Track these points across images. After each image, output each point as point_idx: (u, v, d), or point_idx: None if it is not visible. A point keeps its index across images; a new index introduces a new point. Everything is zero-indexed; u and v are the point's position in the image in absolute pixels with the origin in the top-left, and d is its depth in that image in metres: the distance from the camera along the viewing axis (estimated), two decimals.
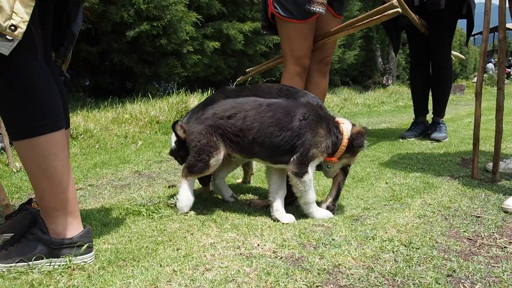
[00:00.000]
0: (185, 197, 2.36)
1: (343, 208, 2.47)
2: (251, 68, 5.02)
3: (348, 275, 1.62)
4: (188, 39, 7.87)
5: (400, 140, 4.88)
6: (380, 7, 3.64)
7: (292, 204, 2.47)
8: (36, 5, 1.54)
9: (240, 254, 1.82)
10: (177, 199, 2.39)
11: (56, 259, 1.72)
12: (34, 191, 1.74)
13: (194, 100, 6.62)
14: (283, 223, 2.20)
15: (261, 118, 2.23)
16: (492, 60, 27.34)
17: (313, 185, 2.27)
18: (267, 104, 2.30)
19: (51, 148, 1.65)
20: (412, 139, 4.90)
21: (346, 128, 2.29)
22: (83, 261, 1.75)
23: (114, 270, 1.68)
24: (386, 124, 6.73)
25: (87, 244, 1.76)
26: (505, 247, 1.87)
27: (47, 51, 1.83)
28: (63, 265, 1.71)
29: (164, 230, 2.13)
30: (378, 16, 3.63)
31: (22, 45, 1.53)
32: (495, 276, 1.61)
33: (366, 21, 3.72)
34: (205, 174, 2.41)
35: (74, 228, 1.76)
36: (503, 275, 1.61)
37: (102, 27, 7.13)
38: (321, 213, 2.31)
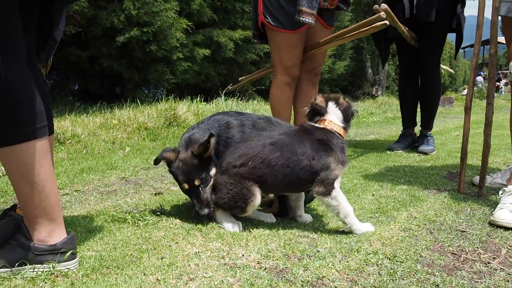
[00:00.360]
0: (230, 220, 2.34)
1: (328, 220, 2.49)
2: (243, 77, 5.05)
3: None
4: (178, 45, 7.90)
5: (388, 152, 4.92)
6: (368, 19, 3.69)
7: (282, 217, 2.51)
8: (16, 10, 1.54)
9: (225, 264, 1.82)
10: (224, 226, 2.33)
11: (40, 265, 1.72)
12: (17, 198, 1.73)
13: (183, 107, 6.62)
14: (268, 234, 2.21)
15: (270, 162, 2.21)
16: (482, 73, 27.70)
17: (344, 196, 2.25)
18: (271, 143, 2.27)
19: (33, 156, 1.65)
20: (400, 151, 4.93)
21: (332, 121, 2.34)
22: (67, 268, 1.74)
23: (98, 278, 1.68)
24: (374, 135, 6.78)
25: (70, 251, 1.75)
26: (488, 263, 1.89)
27: (30, 57, 1.83)
28: (46, 271, 1.70)
29: (149, 238, 2.13)
30: (366, 28, 3.68)
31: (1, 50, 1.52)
32: None
33: (354, 32, 3.75)
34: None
35: (57, 235, 1.76)
36: None
37: (92, 32, 7.13)
38: (363, 227, 2.26)
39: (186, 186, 2.35)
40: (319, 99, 2.39)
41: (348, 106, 2.40)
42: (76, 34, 6.84)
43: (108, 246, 2.02)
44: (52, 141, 2.04)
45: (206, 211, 2.31)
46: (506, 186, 2.74)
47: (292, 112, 4.06)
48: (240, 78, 5.06)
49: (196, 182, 2.33)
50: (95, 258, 1.86)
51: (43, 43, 1.97)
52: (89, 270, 1.75)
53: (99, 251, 1.96)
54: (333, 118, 2.35)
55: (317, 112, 2.39)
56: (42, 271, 1.70)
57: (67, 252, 1.75)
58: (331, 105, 2.38)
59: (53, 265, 1.72)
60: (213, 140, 2.31)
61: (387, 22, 3.56)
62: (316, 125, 2.35)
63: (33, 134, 1.64)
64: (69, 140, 4.76)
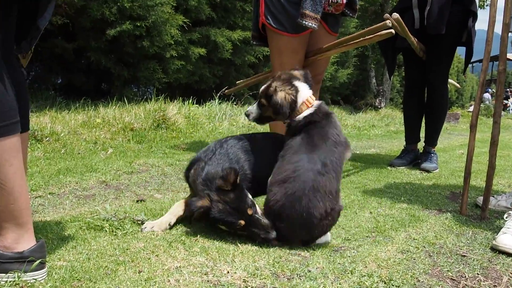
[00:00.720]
0: None
1: None
2: (240, 81, 5.05)
3: None
4: (173, 43, 7.87)
5: (389, 167, 4.91)
6: (374, 26, 3.69)
7: None
8: None
9: (208, 281, 1.79)
10: None
11: (4, 274, 1.67)
12: None
13: (174, 108, 6.60)
14: (256, 250, 2.18)
15: (308, 178, 2.23)
16: (489, 89, 27.85)
17: None
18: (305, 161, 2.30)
19: (2, 154, 1.61)
20: (401, 167, 4.93)
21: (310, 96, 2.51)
22: (34, 278, 1.70)
23: None
24: (375, 149, 6.77)
25: (39, 260, 1.71)
26: None
27: (7, 47, 1.79)
28: (10, 281, 1.66)
29: (127, 249, 2.09)
30: (371, 36, 3.68)
31: None
32: None
33: (358, 40, 3.76)
34: None
35: (25, 242, 1.71)
36: None
37: (81, 23, 7.09)
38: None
39: (243, 222, 2.26)
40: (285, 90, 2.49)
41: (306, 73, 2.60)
42: (63, 24, 6.79)
43: (81, 256, 1.98)
44: (26, 138, 2.00)
45: (274, 233, 2.26)
46: (510, 209, 2.73)
47: None
48: (237, 82, 5.06)
49: (249, 212, 2.26)
50: (66, 269, 1.82)
51: (25, 32, 1.94)
52: (58, 281, 1.71)
53: (71, 261, 1.91)
54: (307, 92, 2.49)
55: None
56: (6, 281, 1.66)
57: (35, 261, 1.70)
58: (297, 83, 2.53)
59: (19, 274, 1.68)
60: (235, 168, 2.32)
61: (392, 30, 3.57)
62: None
63: (2, 131, 1.61)
64: (47, 138, 4.71)
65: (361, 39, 3.75)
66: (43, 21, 1.91)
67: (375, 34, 3.67)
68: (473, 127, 3.07)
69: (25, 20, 1.91)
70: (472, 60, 5.23)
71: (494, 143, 2.90)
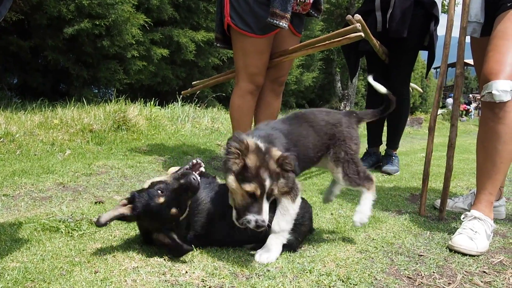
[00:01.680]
0: None
1: None
2: (198, 81, 5.03)
3: None
4: (134, 43, 7.82)
5: None
6: (342, 29, 3.76)
7: None
8: None
9: (165, 281, 1.81)
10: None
11: None
12: None
13: (135, 110, 6.55)
14: (216, 250, 2.20)
15: None
16: (452, 95, 28.53)
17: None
18: None
19: None
20: None
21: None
22: None
23: None
24: None
25: None
26: None
27: None
28: None
29: (83, 250, 2.09)
30: (340, 38, 3.75)
31: None
32: None
33: (326, 42, 3.83)
34: None
35: None
36: None
37: (36, 20, 6.96)
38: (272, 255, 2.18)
39: None
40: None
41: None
42: (17, 21, 6.65)
43: (36, 257, 1.97)
44: None
45: None
46: (467, 210, 2.84)
47: (253, 123, 4.08)
48: (194, 82, 5.04)
49: None
50: (19, 270, 1.81)
51: None
52: (11, 283, 1.71)
53: (24, 263, 1.91)
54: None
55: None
56: None
57: None
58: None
59: None
60: None
61: (362, 34, 3.64)
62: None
63: None
64: (1, 139, 4.62)
65: (330, 41, 3.82)
66: (3, 10, 1.88)
67: (344, 37, 3.73)
68: (431, 130, 3.18)
69: None
70: (436, 66, 5.39)
71: (451, 146, 3.01)
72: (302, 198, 2.35)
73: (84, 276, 1.80)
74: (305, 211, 2.31)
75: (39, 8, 6.78)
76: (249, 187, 1.99)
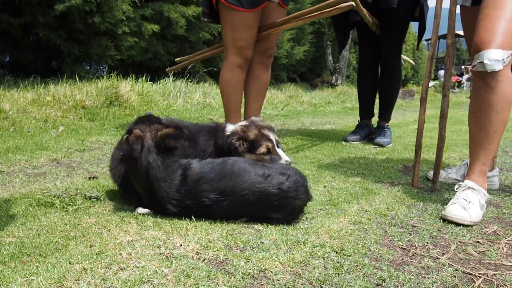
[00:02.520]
0: None
1: None
2: (182, 57, 4.96)
3: (273, 281, 1.64)
4: (125, 19, 7.72)
5: (343, 142, 5.00)
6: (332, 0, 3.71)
7: None
8: None
9: (160, 254, 1.80)
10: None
11: None
12: None
13: (126, 86, 6.50)
14: (209, 224, 2.20)
15: None
16: (444, 67, 28.47)
17: None
18: None
19: None
20: (355, 142, 5.03)
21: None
22: None
23: (17, 266, 1.63)
24: (330, 125, 6.88)
25: None
26: (437, 258, 1.96)
27: None
28: None
29: (78, 224, 2.08)
30: (330, 8, 3.70)
31: None
32: (424, 287, 1.68)
33: (316, 13, 3.78)
34: None
35: None
36: (433, 286, 1.68)
37: None
38: None
39: None
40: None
41: None
42: None
43: (31, 232, 1.96)
44: None
45: None
46: (460, 181, 2.84)
47: (243, 96, 4.06)
48: (177, 59, 4.96)
49: None
50: (15, 245, 1.81)
51: None
52: (7, 257, 1.70)
53: (20, 237, 1.90)
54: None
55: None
56: None
57: None
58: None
59: None
60: None
61: (353, 3, 3.59)
62: None
63: None
64: None
65: (320, 12, 3.77)
66: None
67: (335, 7, 3.69)
68: (423, 101, 3.16)
69: None
70: (427, 37, 5.35)
71: (443, 116, 2.99)
72: (297, 170, 2.35)
73: (80, 249, 1.79)
74: (299, 184, 2.29)
75: None
76: (263, 148, 2.75)
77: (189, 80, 8.72)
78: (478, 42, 2.56)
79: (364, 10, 4.35)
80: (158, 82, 7.94)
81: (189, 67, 7.99)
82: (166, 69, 5.25)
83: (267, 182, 2.18)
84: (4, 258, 1.69)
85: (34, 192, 2.55)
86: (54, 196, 2.42)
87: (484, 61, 2.50)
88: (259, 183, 2.17)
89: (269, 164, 2.35)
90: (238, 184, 2.16)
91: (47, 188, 2.62)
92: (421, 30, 5.02)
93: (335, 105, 10.64)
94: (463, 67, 30.75)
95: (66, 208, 2.31)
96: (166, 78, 8.12)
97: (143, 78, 7.33)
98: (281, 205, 2.21)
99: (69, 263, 1.66)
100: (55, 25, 7.32)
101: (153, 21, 8.45)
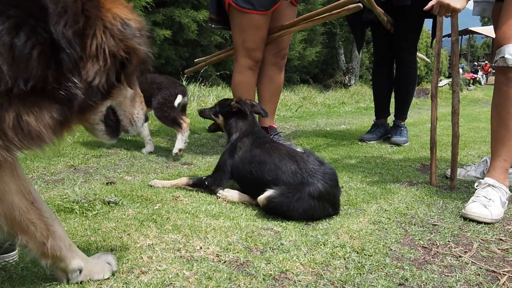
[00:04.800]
0: None
1: None
2: (200, 59, 4.99)
3: (295, 282, 1.64)
4: None
5: (359, 142, 4.98)
6: (341, 0, 3.71)
7: None
8: None
9: (181, 257, 1.81)
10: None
11: None
12: None
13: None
14: (228, 226, 2.20)
15: None
16: (463, 66, 28.28)
17: None
18: None
19: None
20: (372, 142, 5.00)
21: None
22: (4, 261, 1.69)
23: (39, 271, 1.65)
24: (345, 125, 6.85)
25: (8, 242, 1.70)
26: (460, 257, 1.94)
27: None
28: None
29: (98, 229, 2.09)
30: (339, 10, 3.70)
31: None
32: (448, 286, 1.66)
33: (325, 15, 3.79)
34: None
35: None
36: (456, 285, 1.67)
37: None
38: None
39: None
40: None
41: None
42: None
43: None
44: None
45: None
46: (480, 178, 2.81)
47: (257, 98, 4.06)
48: (196, 60, 5.00)
49: None
50: None
51: None
52: (30, 263, 1.71)
53: None
54: None
55: None
56: None
57: (4, 243, 1.70)
58: None
59: None
60: None
61: (360, 4, 3.59)
62: None
63: None
64: None
65: (328, 14, 3.77)
66: None
67: (343, 9, 3.69)
68: (433, 97, 3.15)
69: None
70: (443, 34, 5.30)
71: (455, 112, 2.98)
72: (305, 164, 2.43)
73: None
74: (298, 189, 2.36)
75: None
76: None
77: (202, 84, 8.75)
78: (500, 37, 2.54)
79: (379, 9, 4.34)
80: None
81: (201, 71, 8.01)
82: (185, 70, 5.27)
83: None
84: (27, 263, 1.71)
85: (53, 198, 2.57)
86: (73, 202, 2.44)
87: (506, 56, 2.48)
88: None
89: None
90: None
91: (66, 194, 2.63)
92: (435, 27, 4.97)
93: (349, 105, 10.60)
94: (475, 63, 30.50)
95: (85, 213, 2.32)
96: None
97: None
98: None
99: None
100: None
101: (165, 26, 8.48)
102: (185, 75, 8.08)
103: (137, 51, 1.39)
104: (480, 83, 25.92)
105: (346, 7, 3.66)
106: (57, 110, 1.27)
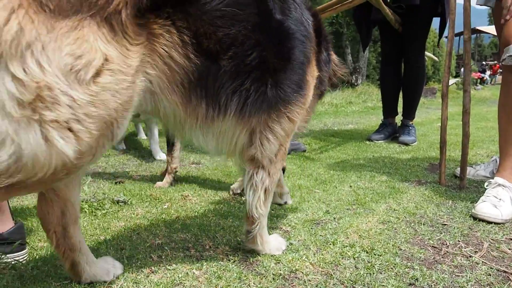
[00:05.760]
0: None
1: (303, 212, 2.49)
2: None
3: (305, 281, 1.63)
4: None
5: (367, 142, 4.97)
6: None
7: None
8: None
9: (190, 256, 1.81)
10: None
11: None
12: None
13: None
14: (237, 226, 2.20)
15: None
16: (463, 62, 28.07)
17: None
18: None
19: None
20: (380, 141, 4.98)
21: None
22: (15, 260, 1.70)
23: (49, 270, 1.65)
24: (353, 125, 6.83)
25: (19, 241, 1.71)
26: (470, 256, 1.93)
27: None
28: None
29: (108, 228, 2.10)
30: (351, 0, 3.70)
31: None
32: (459, 286, 1.65)
33: (338, 6, 3.78)
34: None
35: (3, 224, 1.71)
36: (467, 285, 1.66)
37: None
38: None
39: None
40: None
41: None
42: None
43: None
44: None
45: None
46: (489, 178, 2.79)
47: None
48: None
49: None
50: (47, 249, 1.83)
51: None
52: (40, 261, 1.72)
53: None
54: None
55: None
56: None
57: (15, 242, 1.70)
58: None
59: (0, 256, 1.68)
60: None
61: None
62: None
63: None
64: None
65: (341, 4, 3.77)
66: None
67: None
68: (444, 97, 3.13)
69: None
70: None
71: (466, 112, 2.96)
72: None
73: (111, 253, 1.81)
74: None
75: None
76: None
77: None
78: (508, 35, 2.52)
79: (386, 9, 4.32)
80: None
81: None
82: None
83: None
84: (37, 262, 1.71)
85: None
86: (83, 201, 2.44)
87: None
88: None
89: None
90: None
91: None
92: (442, 26, 4.96)
93: (357, 105, 10.58)
94: (484, 63, 30.35)
95: (95, 212, 2.33)
96: None
97: None
98: None
99: None
100: None
101: None
102: None
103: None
104: (486, 83, 25.79)
105: None
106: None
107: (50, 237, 1.47)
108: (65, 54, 1.04)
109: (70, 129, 1.07)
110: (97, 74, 1.09)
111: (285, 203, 2.59)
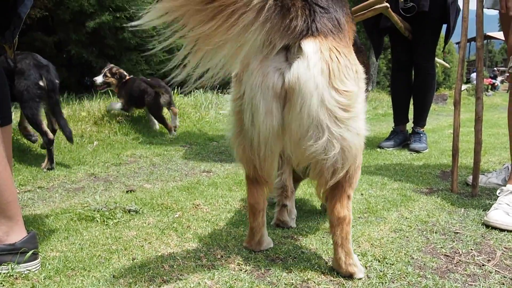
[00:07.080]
0: None
1: (314, 220, 2.48)
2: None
3: None
4: (155, 34, 7.83)
5: (378, 149, 4.95)
6: (368, 1, 3.70)
7: None
8: None
9: (202, 265, 1.81)
10: None
11: None
12: None
13: None
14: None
15: None
16: (476, 69, 27.93)
17: None
18: None
19: None
20: (391, 149, 4.96)
21: None
22: (27, 269, 1.71)
23: (62, 280, 1.65)
24: None
25: (32, 251, 1.72)
26: (483, 265, 1.91)
27: None
28: (4, 273, 1.67)
29: (120, 238, 2.11)
30: (365, 11, 3.70)
31: None
32: None
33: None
34: None
35: (16, 234, 1.72)
36: None
37: (60, 16, 7.02)
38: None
39: None
40: None
41: None
42: (42, 18, 6.72)
43: (74, 246, 2.00)
44: (9, 132, 2.00)
45: None
46: (501, 185, 2.77)
47: None
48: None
49: None
50: (59, 259, 1.84)
51: (7, 21, 1.93)
52: (52, 271, 1.73)
53: (64, 252, 1.93)
54: None
55: None
56: (0, 273, 1.67)
57: (28, 252, 1.71)
58: None
59: (12, 266, 1.69)
60: None
61: (387, 4, 3.58)
62: None
63: None
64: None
65: (355, 15, 3.77)
66: (24, 9, 1.90)
67: (370, 9, 3.69)
68: (457, 104, 3.12)
69: (5, 9, 1.90)
70: (458, 40, 5.24)
71: (478, 119, 2.94)
72: None
73: (123, 263, 1.82)
74: None
75: (62, 3, 6.83)
76: None
77: (220, 91, 8.78)
78: (510, 45, 2.51)
79: (395, 16, 4.32)
80: (190, 94, 8.01)
81: (218, 79, 8.01)
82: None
83: None
84: (49, 272, 1.72)
85: (74, 206, 2.60)
86: (94, 210, 2.46)
87: None
88: None
89: None
90: None
91: (87, 202, 2.66)
92: (448, 31, 4.93)
93: (367, 112, 10.48)
94: (495, 69, 30.15)
95: (106, 221, 2.34)
96: (196, 90, 8.18)
97: (175, 91, 7.40)
98: None
99: (113, 276, 1.68)
100: (87, 41, 7.47)
101: None
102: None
103: None
104: (497, 89, 25.63)
105: (373, 8, 3.66)
106: None
107: None
108: None
109: None
110: None
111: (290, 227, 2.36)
